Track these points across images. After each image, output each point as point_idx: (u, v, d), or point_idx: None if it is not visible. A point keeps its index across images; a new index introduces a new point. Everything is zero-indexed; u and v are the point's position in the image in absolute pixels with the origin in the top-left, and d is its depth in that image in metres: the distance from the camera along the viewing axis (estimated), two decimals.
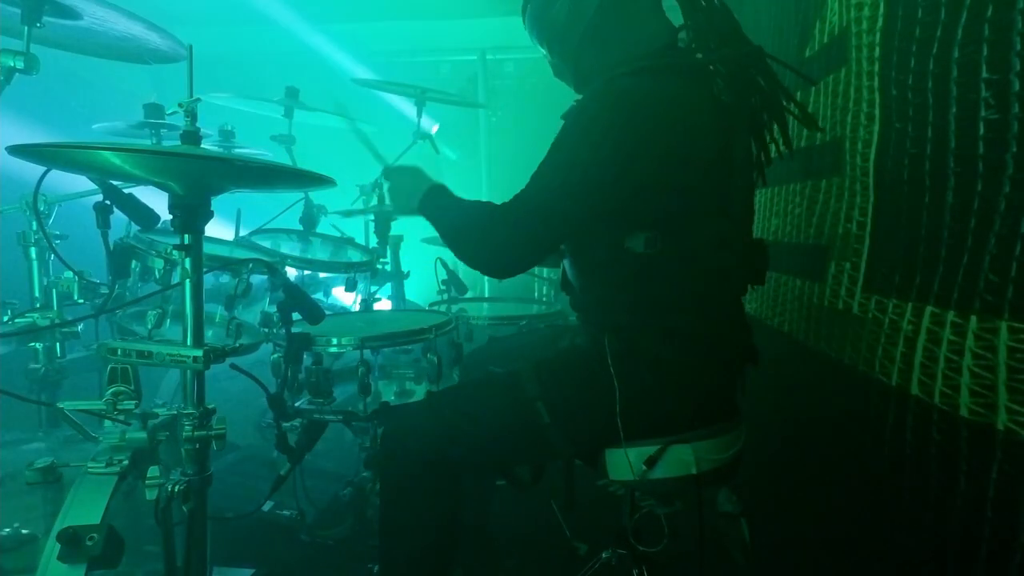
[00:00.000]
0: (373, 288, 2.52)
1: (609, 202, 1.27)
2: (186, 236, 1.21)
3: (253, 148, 2.76)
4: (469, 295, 2.48)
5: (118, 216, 1.62)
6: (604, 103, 1.29)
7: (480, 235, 1.34)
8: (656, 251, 1.29)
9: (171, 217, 1.21)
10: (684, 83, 1.30)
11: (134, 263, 1.77)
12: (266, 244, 2.20)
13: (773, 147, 1.45)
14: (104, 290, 1.84)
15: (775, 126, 1.42)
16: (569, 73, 1.51)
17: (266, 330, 1.75)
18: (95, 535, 1.17)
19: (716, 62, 1.35)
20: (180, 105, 1.21)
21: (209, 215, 1.25)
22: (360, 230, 2.79)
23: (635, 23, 1.41)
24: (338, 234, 2.61)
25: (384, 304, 2.75)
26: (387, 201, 1.62)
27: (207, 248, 1.29)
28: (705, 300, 1.33)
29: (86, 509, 1.24)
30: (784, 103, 1.40)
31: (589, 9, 1.39)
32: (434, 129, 3.48)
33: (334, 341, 1.66)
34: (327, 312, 1.79)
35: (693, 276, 1.31)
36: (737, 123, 1.36)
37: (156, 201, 1.45)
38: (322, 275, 2.66)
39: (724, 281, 1.37)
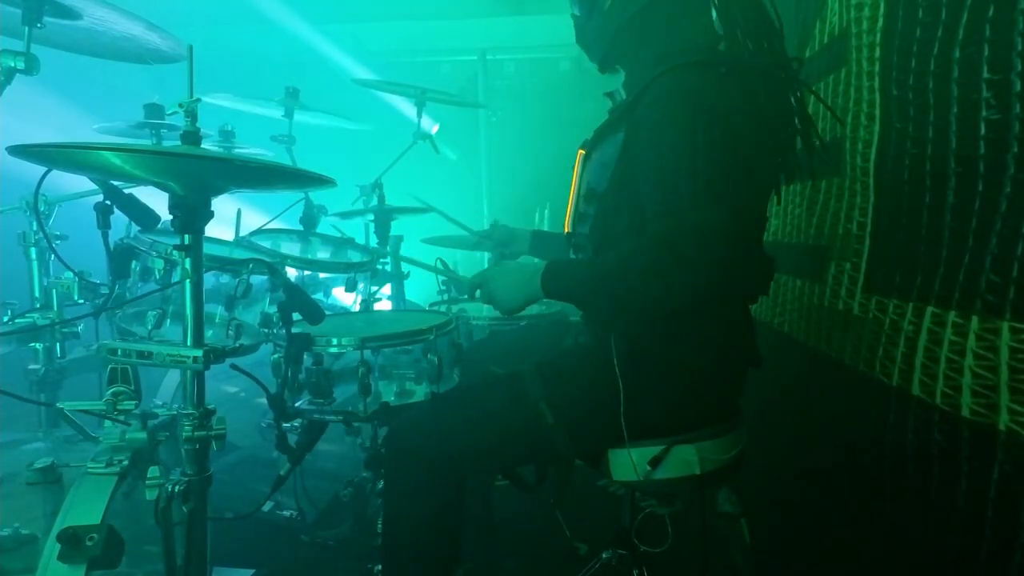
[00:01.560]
0: (373, 288, 2.51)
1: (733, 197, 1.18)
2: (186, 236, 1.21)
3: (253, 148, 2.76)
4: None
5: (118, 216, 1.62)
6: (686, 97, 1.20)
7: (639, 283, 1.18)
8: None
9: (171, 217, 1.21)
10: (737, 84, 1.25)
11: (134, 263, 1.77)
12: (266, 244, 2.20)
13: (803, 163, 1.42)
14: (104, 290, 1.84)
15: (799, 139, 1.37)
16: (601, 46, 1.46)
17: (266, 330, 1.74)
18: (95, 535, 1.17)
19: (757, 68, 1.30)
20: (180, 105, 1.21)
21: (209, 215, 1.25)
22: (360, 230, 2.79)
23: (686, 18, 1.37)
24: (338, 234, 2.61)
25: (384, 304, 2.75)
26: (488, 302, 1.48)
27: (207, 248, 1.29)
28: (718, 304, 1.32)
29: (86, 509, 1.24)
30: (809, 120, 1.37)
31: None
32: (434, 129, 3.49)
33: (334, 341, 1.66)
34: (327, 312, 1.79)
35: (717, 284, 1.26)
36: (770, 131, 1.33)
37: (156, 201, 1.45)
38: (322, 275, 2.66)
39: (740, 292, 1.37)
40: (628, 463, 1.32)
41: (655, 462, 1.30)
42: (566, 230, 1.49)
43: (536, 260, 1.39)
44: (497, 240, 2.16)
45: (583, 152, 1.45)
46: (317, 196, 2.56)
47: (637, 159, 1.26)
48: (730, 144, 1.18)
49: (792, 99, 1.33)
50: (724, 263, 1.16)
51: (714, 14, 1.33)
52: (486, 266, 1.99)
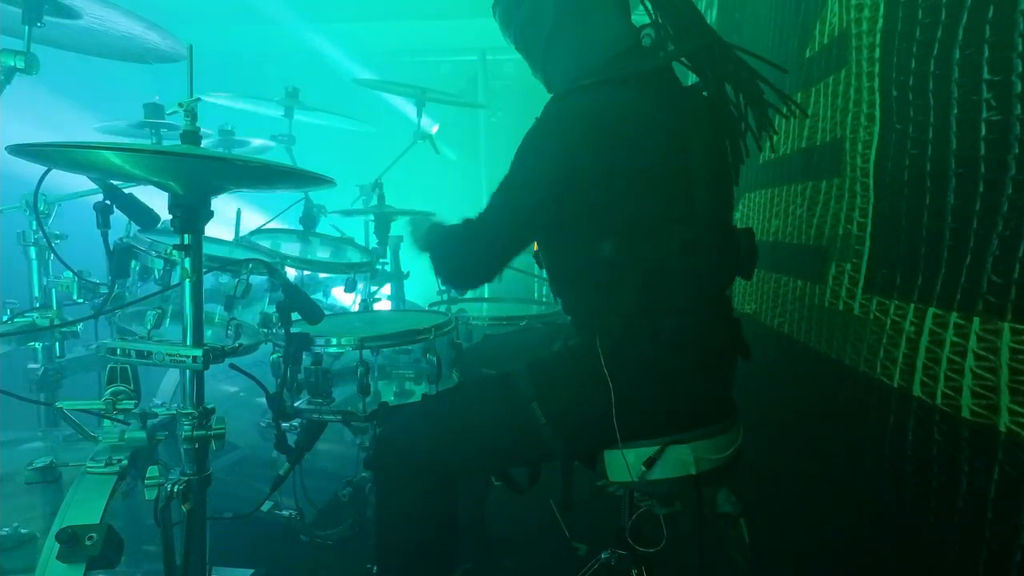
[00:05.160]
0: (373, 288, 2.51)
1: (554, 217, 1.32)
2: (186, 236, 1.21)
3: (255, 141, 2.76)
4: (469, 295, 2.48)
5: (118, 216, 1.62)
6: (545, 125, 1.33)
7: (446, 251, 1.46)
8: (625, 256, 1.29)
9: (171, 217, 1.21)
10: (632, 93, 1.29)
11: (134, 263, 1.77)
12: (266, 244, 2.20)
13: (758, 141, 1.45)
14: (104, 290, 1.84)
15: (751, 116, 1.41)
16: (539, 75, 1.54)
17: (265, 330, 1.74)
18: (94, 535, 1.17)
19: (678, 56, 1.36)
20: (180, 105, 1.21)
21: (209, 215, 1.25)
22: (360, 230, 2.79)
23: (596, 27, 1.41)
24: (338, 234, 2.61)
25: (384, 304, 2.75)
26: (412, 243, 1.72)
27: (207, 248, 1.28)
28: (684, 301, 1.33)
29: (85, 509, 1.24)
30: (761, 89, 1.39)
31: (549, 13, 1.41)
32: (434, 129, 3.50)
33: (333, 341, 1.66)
34: (326, 312, 1.79)
35: (664, 279, 1.31)
36: (696, 122, 1.35)
37: (156, 201, 1.44)
38: (322, 275, 2.66)
39: (696, 283, 1.35)
40: (623, 464, 1.32)
41: (650, 463, 1.30)
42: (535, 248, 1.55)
43: None
44: None
45: None
46: (317, 196, 2.56)
47: None
48: (567, 156, 1.28)
49: (729, 75, 1.37)
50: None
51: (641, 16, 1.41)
52: None
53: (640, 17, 1.43)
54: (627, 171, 1.27)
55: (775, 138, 1.47)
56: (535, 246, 1.52)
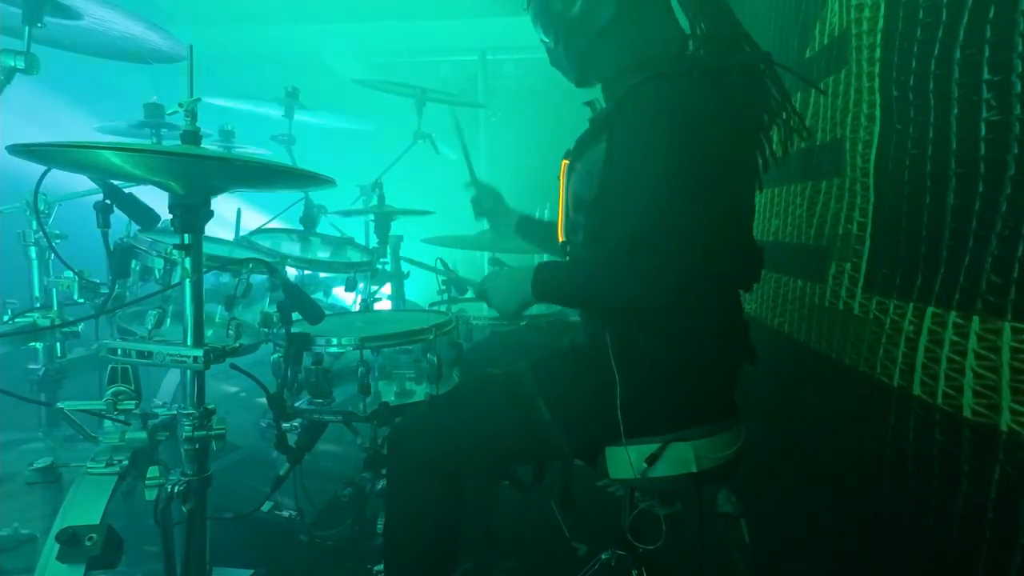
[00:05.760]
0: (373, 288, 2.51)
1: (712, 197, 1.23)
2: (186, 236, 1.21)
3: (253, 148, 2.76)
4: (469, 295, 2.48)
5: (118, 216, 1.62)
6: (663, 106, 1.24)
7: (616, 280, 1.26)
8: None
9: (171, 217, 1.21)
10: (710, 88, 1.27)
11: (134, 263, 1.77)
12: (266, 244, 2.20)
13: (779, 151, 1.45)
14: (104, 290, 1.84)
15: (776, 131, 1.41)
16: (573, 67, 1.49)
17: (266, 330, 1.74)
18: (94, 535, 1.17)
19: (729, 68, 1.33)
20: (180, 105, 1.21)
21: (209, 215, 1.25)
22: (360, 230, 2.79)
23: (652, 26, 1.41)
24: (338, 234, 2.61)
25: (384, 304, 2.75)
26: (491, 307, 1.54)
27: (207, 248, 1.29)
28: (706, 301, 1.33)
29: (85, 509, 1.24)
30: (788, 109, 1.39)
31: (608, 9, 1.38)
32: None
33: (334, 341, 1.66)
34: (327, 312, 1.79)
35: (697, 279, 1.31)
36: (746, 128, 1.35)
37: (156, 201, 1.45)
38: (322, 275, 2.66)
39: (726, 284, 1.37)
40: (625, 460, 1.32)
41: (651, 459, 1.31)
42: (560, 239, 1.51)
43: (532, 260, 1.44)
44: (486, 208, 2.10)
45: (567, 162, 1.46)
46: (317, 196, 2.56)
47: (618, 165, 1.29)
48: (702, 146, 1.21)
49: (773, 88, 1.36)
50: (696, 261, 1.20)
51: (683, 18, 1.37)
52: (486, 270, 1.97)
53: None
54: (715, 163, 1.23)
55: (774, 138, 1.46)
56: (560, 237, 1.50)
